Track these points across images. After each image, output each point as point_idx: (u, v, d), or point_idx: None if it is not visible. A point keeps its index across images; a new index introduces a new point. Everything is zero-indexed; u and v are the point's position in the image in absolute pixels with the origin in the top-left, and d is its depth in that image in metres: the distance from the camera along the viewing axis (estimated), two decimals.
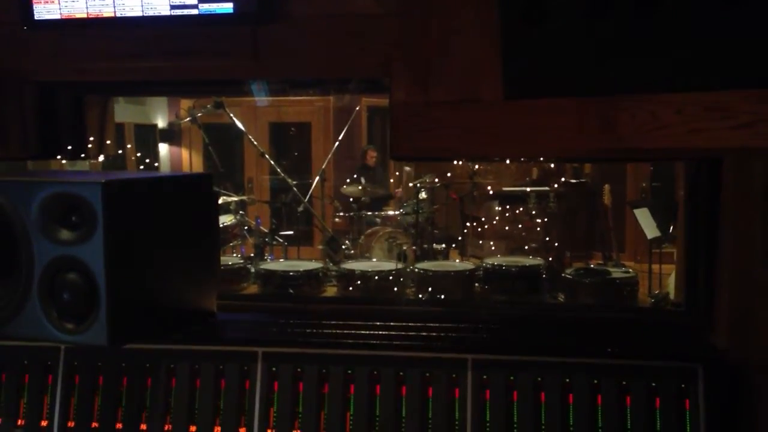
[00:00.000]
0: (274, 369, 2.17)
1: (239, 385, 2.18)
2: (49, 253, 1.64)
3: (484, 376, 2.11)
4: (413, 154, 2.49)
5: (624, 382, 2.08)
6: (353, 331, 2.34)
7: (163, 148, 8.79)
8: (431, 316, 2.68)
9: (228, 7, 2.40)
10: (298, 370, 2.17)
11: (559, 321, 2.74)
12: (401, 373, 2.15)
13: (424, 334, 2.34)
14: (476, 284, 3.94)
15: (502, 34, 2.17)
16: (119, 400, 2.22)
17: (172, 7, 2.44)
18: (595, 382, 2.08)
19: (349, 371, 2.16)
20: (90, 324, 1.55)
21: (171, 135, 8.73)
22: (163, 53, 2.51)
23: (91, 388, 2.26)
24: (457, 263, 4.62)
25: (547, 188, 6.27)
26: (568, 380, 2.09)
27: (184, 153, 8.86)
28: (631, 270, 3.95)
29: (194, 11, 2.42)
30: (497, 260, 4.11)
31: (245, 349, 2.20)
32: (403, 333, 2.35)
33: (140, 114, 8.42)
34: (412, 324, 2.40)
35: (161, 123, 8.74)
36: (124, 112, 7.92)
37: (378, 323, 2.40)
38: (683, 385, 2.08)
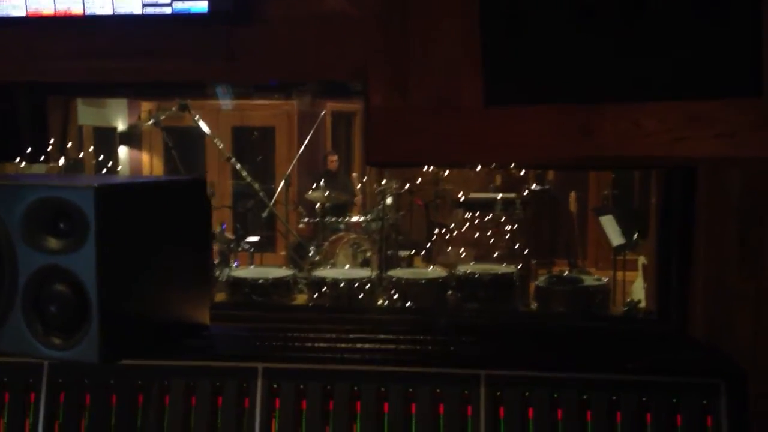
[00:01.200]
0: (275, 386, 2.04)
1: (238, 402, 2.05)
2: (34, 262, 1.52)
3: (498, 393, 2.02)
4: (389, 160, 2.46)
5: (644, 399, 2.00)
6: (358, 345, 2.22)
7: (123, 152, 8.61)
8: (421, 326, 2.64)
9: (203, 6, 2.33)
10: (301, 386, 2.04)
11: (546, 331, 2.70)
12: (410, 390, 2.04)
13: (430, 347, 2.24)
14: (449, 292, 3.91)
15: (483, 39, 2.16)
16: (108, 420, 2.07)
17: (145, 5, 2.36)
18: (614, 398, 2.00)
19: (356, 388, 2.04)
20: (79, 339, 1.44)
21: (131, 138, 8.56)
22: (134, 53, 2.44)
23: (77, 407, 2.09)
24: (429, 270, 4.59)
25: (513, 195, 6.30)
26: (585, 397, 2.00)
27: (145, 156, 8.70)
28: (602, 278, 3.97)
29: (167, 9, 2.35)
30: (470, 268, 4.10)
31: (244, 365, 2.06)
32: (410, 347, 2.24)
33: (99, 116, 8.23)
34: (420, 337, 2.30)
35: (121, 126, 8.56)
36: (83, 114, 7.73)
37: (382, 336, 2.29)
38: (705, 402, 2.00)
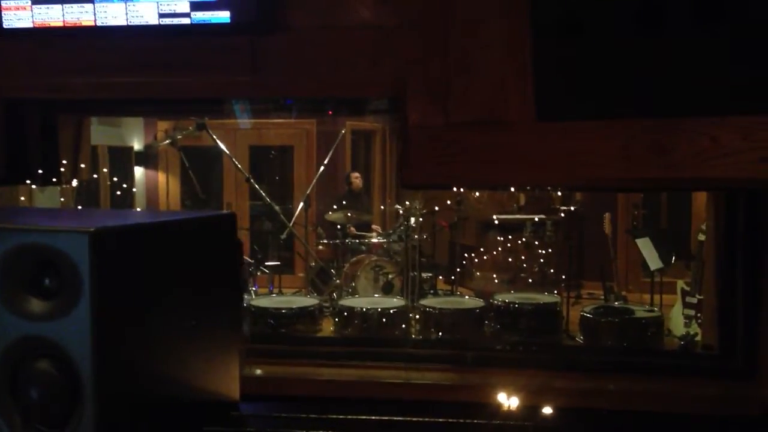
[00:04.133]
0: None
1: None
2: (11, 332, 1.13)
3: None
4: (428, 182, 2.25)
5: None
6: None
7: (139, 172, 8.45)
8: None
9: (225, 17, 2.14)
10: None
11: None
12: None
13: None
14: (486, 322, 3.66)
15: (534, 47, 1.95)
16: None
17: (161, 15, 2.17)
18: None
19: None
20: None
21: (147, 158, 8.40)
22: (150, 67, 2.24)
23: None
24: (465, 299, 4.34)
25: (543, 216, 6.05)
26: None
27: (161, 177, 8.53)
28: (655, 309, 3.70)
29: (186, 20, 2.16)
30: (508, 297, 3.84)
31: None
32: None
33: (115, 136, 8.08)
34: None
35: (137, 145, 8.41)
36: (97, 133, 7.59)
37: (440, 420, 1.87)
38: None
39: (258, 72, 2.17)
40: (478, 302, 3.87)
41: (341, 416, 1.69)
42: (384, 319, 3.58)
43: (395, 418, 1.74)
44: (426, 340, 3.55)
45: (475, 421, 1.92)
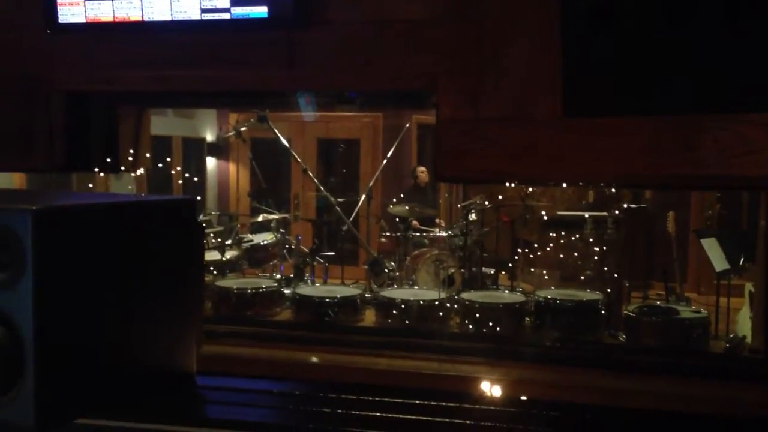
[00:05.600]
0: None
1: None
2: None
3: None
4: (461, 176, 2.27)
5: None
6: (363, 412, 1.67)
7: (211, 163, 8.71)
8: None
9: (262, 11, 2.20)
10: None
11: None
12: None
13: None
14: (527, 318, 3.63)
15: (564, 42, 1.93)
16: None
17: (204, 10, 2.26)
18: None
19: None
20: (13, 397, 1.13)
21: (219, 149, 8.64)
22: (193, 61, 2.33)
23: None
24: (506, 294, 4.30)
25: (605, 213, 5.91)
26: None
27: (232, 167, 8.77)
28: (702, 309, 3.58)
29: (226, 15, 2.24)
30: (551, 293, 3.79)
31: None
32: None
33: (189, 127, 8.35)
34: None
35: (209, 137, 8.67)
36: (172, 125, 7.87)
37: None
38: None
39: (294, 65, 2.23)
40: (518, 297, 3.83)
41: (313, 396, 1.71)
42: (423, 311, 3.60)
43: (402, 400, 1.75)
44: (461, 333, 3.54)
45: (505, 408, 1.90)
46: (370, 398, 1.74)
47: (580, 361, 2.59)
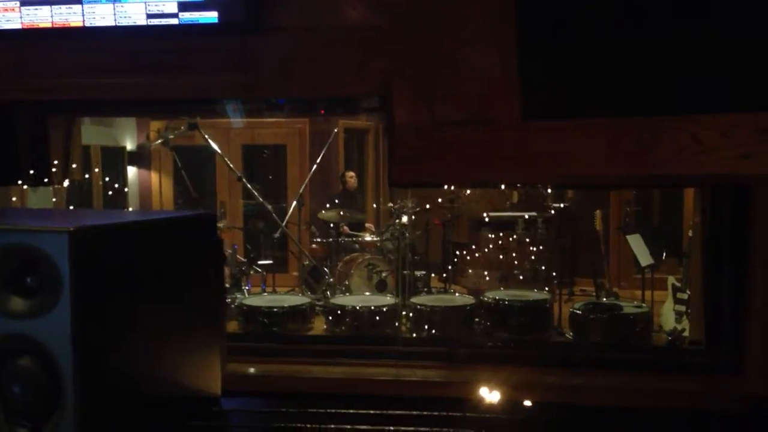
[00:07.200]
0: None
1: None
2: None
3: None
4: (417, 181, 2.26)
5: None
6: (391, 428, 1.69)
7: (132, 172, 8.44)
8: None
9: (212, 17, 2.15)
10: None
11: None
12: None
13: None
14: (476, 319, 3.68)
15: (520, 45, 1.96)
16: None
17: (149, 16, 2.18)
18: None
19: None
20: (52, 429, 1.06)
21: (140, 158, 8.39)
22: (139, 68, 2.25)
23: None
24: (456, 297, 4.35)
25: (535, 213, 6.06)
26: None
27: (154, 176, 8.52)
28: (643, 305, 3.72)
29: (174, 21, 2.17)
30: (498, 294, 3.85)
31: None
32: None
33: (107, 136, 8.07)
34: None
35: (130, 145, 8.40)
36: (89, 133, 7.58)
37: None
38: None
39: (247, 72, 2.18)
40: (469, 300, 3.88)
41: (321, 410, 1.70)
42: (375, 317, 3.60)
43: (379, 412, 1.75)
44: (416, 337, 3.56)
45: (465, 414, 1.92)
46: (328, 409, 1.74)
47: (532, 359, 2.63)
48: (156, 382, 1.25)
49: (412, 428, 1.69)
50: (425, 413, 1.71)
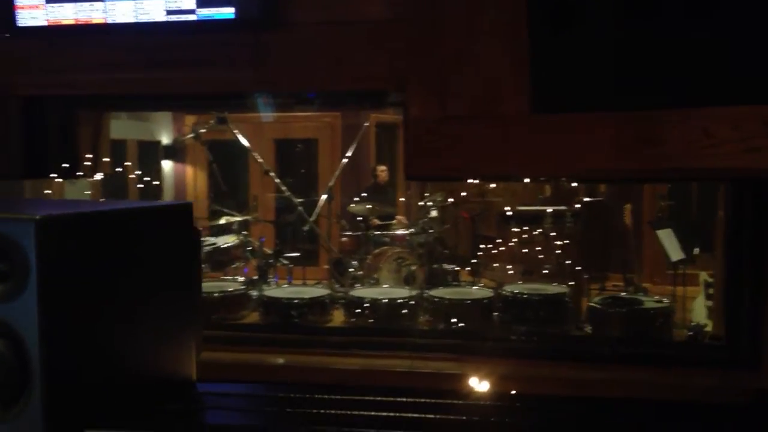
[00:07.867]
0: None
1: None
2: None
3: None
4: (429, 174, 2.28)
5: None
6: (371, 413, 1.68)
7: (167, 166, 8.59)
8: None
9: (229, 12, 2.19)
10: None
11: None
12: None
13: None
14: (495, 313, 3.68)
15: (530, 39, 1.96)
16: None
17: (168, 12, 2.24)
18: None
19: None
20: (20, 411, 1.10)
21: (175, 152, 8.53)
22: (158, 63, 2.31)
23: None
24: (473, 290, 4.35)
25: (564, 207, 6.01)
26: None
27: (188, 170, 8.66)
28: (664, 299, 3.68)
29: (192, 17, 2.22)
30: (517, 287, 3.85)
31: None
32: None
33: (144, 130, 8.22)
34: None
35: (165, 140, 8.55)
36: (127, 128, 7.74)
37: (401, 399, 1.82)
38: None
39: (261, 67, 2.22)
40: (487, 293, 3.88)
41: (308, 395, 1.72)
42: (393, 310, 3.62)
43: (387, 398, 1.77)
44: (431, 330, 3.57)
45: (475, 402, 1.93)
46: (346, 397, 1.77)
47: (550, 353, 2.63)
48: (126, 366, 1.29)
49: (421, 415, 1.71)
50: (437, 401, 1.72)
